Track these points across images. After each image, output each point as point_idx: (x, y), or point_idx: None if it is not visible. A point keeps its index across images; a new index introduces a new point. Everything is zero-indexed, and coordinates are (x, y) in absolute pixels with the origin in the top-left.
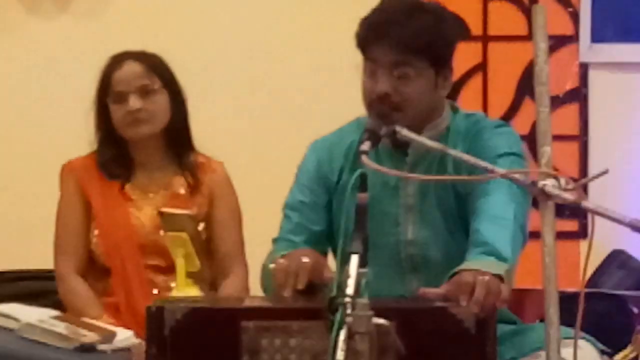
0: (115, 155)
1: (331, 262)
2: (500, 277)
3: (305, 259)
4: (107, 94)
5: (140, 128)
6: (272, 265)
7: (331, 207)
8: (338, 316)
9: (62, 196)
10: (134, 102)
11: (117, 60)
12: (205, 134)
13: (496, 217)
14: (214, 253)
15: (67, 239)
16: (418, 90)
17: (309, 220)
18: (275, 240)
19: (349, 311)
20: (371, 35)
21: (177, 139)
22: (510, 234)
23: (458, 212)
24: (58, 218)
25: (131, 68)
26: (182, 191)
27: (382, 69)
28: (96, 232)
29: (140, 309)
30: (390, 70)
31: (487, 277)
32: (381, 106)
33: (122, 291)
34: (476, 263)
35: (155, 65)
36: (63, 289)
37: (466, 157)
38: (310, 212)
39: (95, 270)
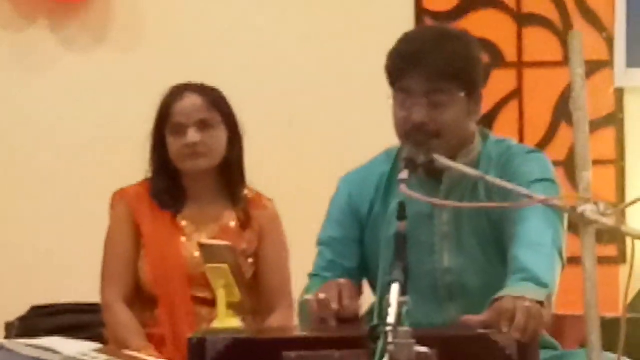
0: (168, 185)
1: (367, 294)
2: (541, 303)
3: (343, 281)
4: (165, 124)
5: (198, 161)
6: (307, 297)
7: (363, 240)
8: (380, 345)
9: (112, 223)
10: (193, 135)
11: (178, 92)
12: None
13: (534, 243)
14: (261, 289)
15: (115, 267)
16: (452, 116)
17: (341, 256)
18: (310, 277)
19: (390, 339)
20: (403, 65)
21: (231, 174)
22: (549, 260)
23: (493, 239)
24: (107, 245)
25: (192, 101)
26: (233, 225)
27: (416, 99)
28: (145, 261)
29: (185, 341)
30: (425, 98)
31: (527, 303)
32: (418, 135)
33: (168, 322)
34: (516, 289)
35: (216, 100)
36: (108, 317)
37: (504, 183)
38: (342, 248)
39: (141, 300)
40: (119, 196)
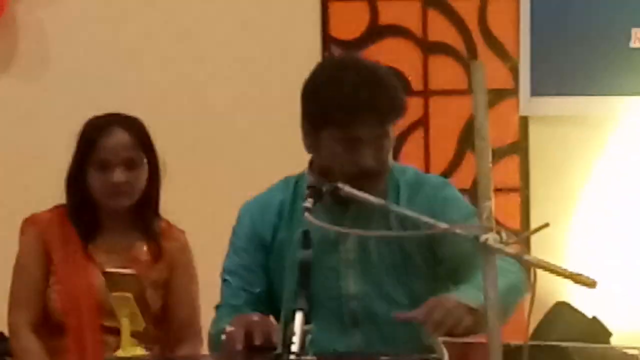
0: (84, 214)
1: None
2: (471, 309)
3: (255, 317)
4: (88, 158)
5: (121, 200)
6: (223, 337)
7: (268, 267)
8: None
9: (21, 249)
10: (119, 175)
11: (105, 125)
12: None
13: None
14: (169, 320)
15: (23, 293)
16: (388, 153)
17: (247, 282)
18: (217, 307)
19: None
20: (349, 111)
21: (147, 208)
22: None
23: (404, 267)
24: (15, 271)
25: (120, 138)
26: (144, 256)
27: (366, 144)
28: (54, 288)
29: None
30: (373, 142)
31: (452, 303)
32: (364, 178)
33: (75, 351)
34: (452, 292)
35: (141, 137)
36: (15, 344)
37: (409, 212)
38: (248, 275)
39: (49, 327)
40: (30, 223)
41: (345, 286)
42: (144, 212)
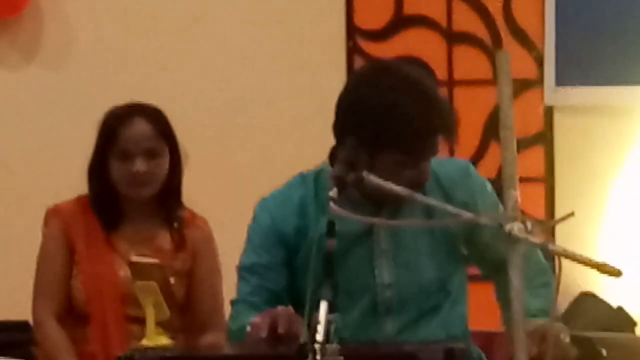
0: (106, 204)
1: None
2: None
3: (280, 310)
4: (110, 147)
5: (142, 190)
6: (248, 329)
7: (290, 264)
8: None
9: (45, 239)
10: (140, 164)
11: (126, 116)
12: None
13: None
14: (193, 309)
15: (47, 284)
16: None
17: (267, 280)
18: (234, 303)
19: (318, 357)
20: (419, 141)
21: (169, 198)
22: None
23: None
24: (39, 262)
25: (141, 128)
26: (167, 245)
27: (425, 162)
28: (78, 278)
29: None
30: (430, 159)
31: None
32: (419, 190)
33: (99, 340)
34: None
35: (163, 127)
36: (40, 334)
37: (432, 201)
38: (268, 273)
39: (73, 317)
40: (53, 213)
41: (380, 275)
42: (167, 201)
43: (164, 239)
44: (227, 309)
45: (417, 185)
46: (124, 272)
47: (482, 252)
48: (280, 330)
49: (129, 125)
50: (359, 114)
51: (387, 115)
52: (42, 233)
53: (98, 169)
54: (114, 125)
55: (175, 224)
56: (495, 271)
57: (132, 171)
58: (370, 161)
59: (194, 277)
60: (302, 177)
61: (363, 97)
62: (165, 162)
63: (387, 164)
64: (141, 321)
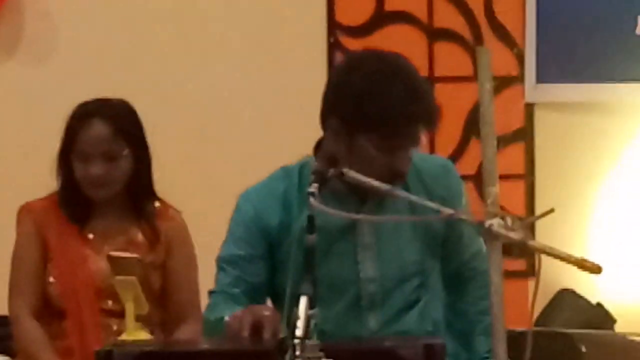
0: (75, 200)
1: None
2: None
3: (266, 312)
4: (71, 148)
5: (99, 191)
6: (226, 319)
7: (271, 257)
8: (288, 358)
9: (18, 237)
10: (97, 168)
11: (85, 117)
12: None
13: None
14: (168, 301)
15: (23, 281)
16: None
17: (246, 273)
18: (211, 293)
19: (298, 353)
20: (398, 126)
21: (137, 190)
22: None
23: (428, 248)
24: (14, 259)
25: (98, 130)
26: (140, 238)
27: (404, 151)
28: (53, 274)
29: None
30: (410, 149)
31: None
32: (393, 181)
33: (76, 335)
34: None
35: (123, 127)
36: (16, 331)
37: (413, 197)
38: (247, 265)
39: (49, 312)
40: (26, 210)
41: (364, 270)
42: (135, 197)
43: (136, 231)
44: (204, 300)
45: (396, 174)
46: (97, 266)
47: (448, 255)
48: (266, 335)
49: (87, 127)
50: (342, 94)
51: (369, 95)
52: (16, 231)
53: (64, 166)
54: (74, 127)
55: (147, 217)
56: (451, 280)
57: (89, 173)
58: (350, 144)
59: (169, 269)
60: (286, 169)
61: (348, 78)
62: (125, 163)
63: (366, 148)
64: (117, 314)
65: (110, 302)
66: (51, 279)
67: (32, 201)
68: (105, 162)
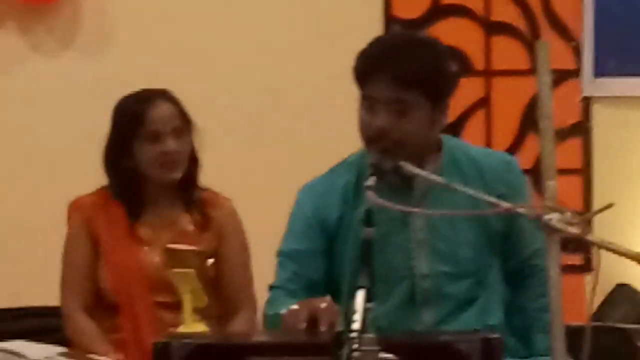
0: (131, 192)
1: None
2: None
3: (323, 304)
4: (135, 132)
5: (173, 171)
6: (283, 311)
7: (330, 252)
8: (344, 351)
9: (69, 233)
10: (171, 143)
11: (148, 99)
12: (213, 170)
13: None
14: (222, 290)
15: (74, 277)
16: (416, 125)
17: (305, 268)
18: (271, 288)
19: (355, 346)
20: (368, 69)
21: (187, 178)
22: None
23: (484, 242)
24: (65, 255)
25: (166, 108)
26: (190, 228)
27: (380, 104)
28: (105, 269)
29: (149, 346)
30: (388, 105)
31: None
32: (381, 141)
33: (130, 328)
34: None
35: (182, 107)
36: (70, 327)
37: (469, 191)
38: (306, 260)
39: (102, 307)
40: (75, 206)
41: (418, 266)
42: (186, 184)
43: (186, 222)
44: (259, 290)
45: (377, 133)
46: (150, 259)
47: (508, 252)
48: (322, 327)
49: (153, 107)
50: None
51: (364, 49)
52: (67, 226)
53: (119, 156)
54: (140, 109)
55: (195, 205)
56: (511, 277)
57: (164, 151)
58: (360, 106)
59: (222, 257)
60: (346, 162)
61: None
62: (190, 141)
63: (359, 109)
64: (171, 307)
65: (164, 295)
66: (103, 274)
67: (81, 196)
68: (177, 139)
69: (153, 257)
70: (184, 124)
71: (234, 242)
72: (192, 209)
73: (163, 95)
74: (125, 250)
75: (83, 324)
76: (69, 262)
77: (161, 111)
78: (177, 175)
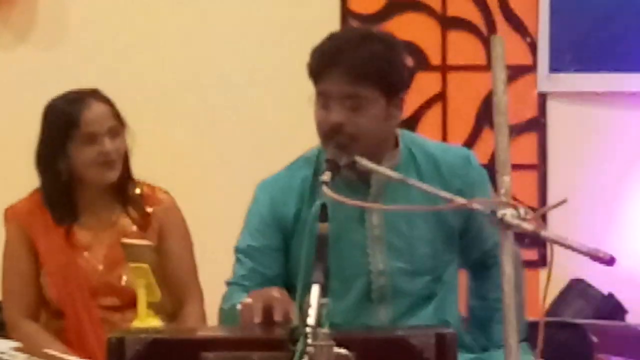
0: (61, 197)
1: None
2: None
3: (275, 293)
4: (70, 134)
5: (111, 171)
6: (238, 307)
7: (286, 249)
8: (299, 346)
9: (7, 242)
10: (108, 144)
11: (80, 100)
12: (169, 166)
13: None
14: (169, 283)
15: (15, 285)
16: (370, 120)
17: (261, 265)
18: (228, 284)
19: (310, 341)
20: (322, 65)
21: (123, 178)
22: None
23: (441, 238)
24: (4, 263)
25: (101, 108)
26: (131, 228)
27: (334, 100)
28: (46, 277)
29: (94, 350)
30: (343, 100)
31: None
32: (336, 136)
33: (74, 333)
34: None
35: (114, 106)
36: (17, 336)
37: (425, 186)
38: (262, 257)
39: (49, 312)
40: (11, 214)
41: (374, 262)
42: (122, 183)
43: (126, 221)
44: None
45: (332, 128)
46: (90, 265)
47: (469, 246)
48: (277, 317)
49: (88, 107)
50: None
51: (320, 48)
52: (5, 231)
53: (53, 159)
54: (73, 110)
55: (133, 203)
56: (475, 267)
57: (102, 151)
58: (315, 101)
59: (165, 252)
60: (304, 158)
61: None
62: (124, 140)
63: (318, 102)
64: (117, 308)
65: (111, 299)
66: (45, 281)
67: (16, 203)
68: (113, 139)
69: (94, 262)
70: (118, 123)
71: (175, 236)
72: (131, 208)
73: (95, 95)
74: (64, 257)
75: (30, 329)
76: (9, 270)
77: (96, 112)
78: (115, 174)
